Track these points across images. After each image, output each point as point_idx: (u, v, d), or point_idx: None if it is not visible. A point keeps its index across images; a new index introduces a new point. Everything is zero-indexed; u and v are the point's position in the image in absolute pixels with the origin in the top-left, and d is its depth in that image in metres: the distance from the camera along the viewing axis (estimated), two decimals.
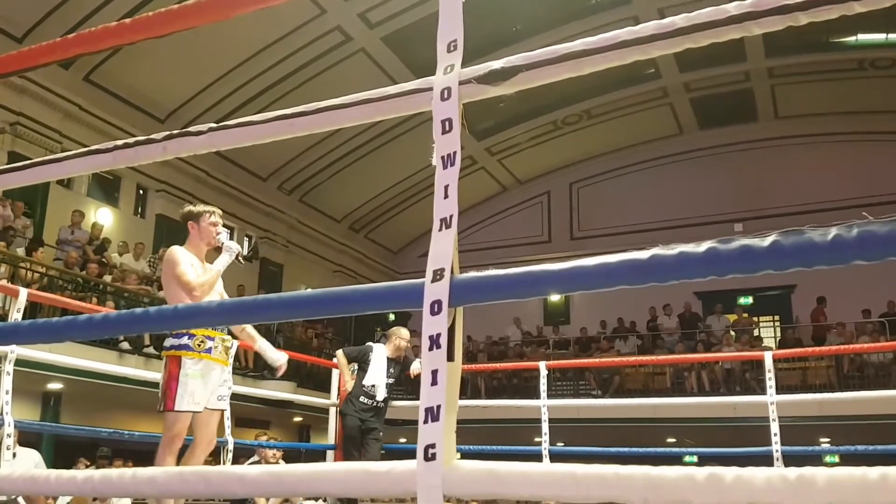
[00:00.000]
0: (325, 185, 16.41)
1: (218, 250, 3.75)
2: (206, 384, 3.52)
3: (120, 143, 1.74)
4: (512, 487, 1.17)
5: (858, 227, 1.02)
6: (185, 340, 3.46)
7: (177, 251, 3.62)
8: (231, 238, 3.83)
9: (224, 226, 3.80)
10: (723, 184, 16.72)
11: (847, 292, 13.49)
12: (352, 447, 5.89)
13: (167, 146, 1.66)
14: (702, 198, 16.73)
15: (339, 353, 6.26)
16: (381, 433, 6.02)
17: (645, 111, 16.49)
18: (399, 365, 6.12)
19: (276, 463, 6.97)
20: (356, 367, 6.08)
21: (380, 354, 6.05)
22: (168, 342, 3.51)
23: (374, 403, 5.94)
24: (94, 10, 10.69)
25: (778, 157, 16.52)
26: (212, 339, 3.53)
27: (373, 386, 5.94)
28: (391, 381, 6.02)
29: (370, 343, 6.35)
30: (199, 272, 3.60)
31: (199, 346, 3.47)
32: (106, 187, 13.03)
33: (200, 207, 3.80)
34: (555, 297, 17.94)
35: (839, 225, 1.04)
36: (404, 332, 6.11)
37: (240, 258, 3.77)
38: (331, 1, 12.11)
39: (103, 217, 12.51)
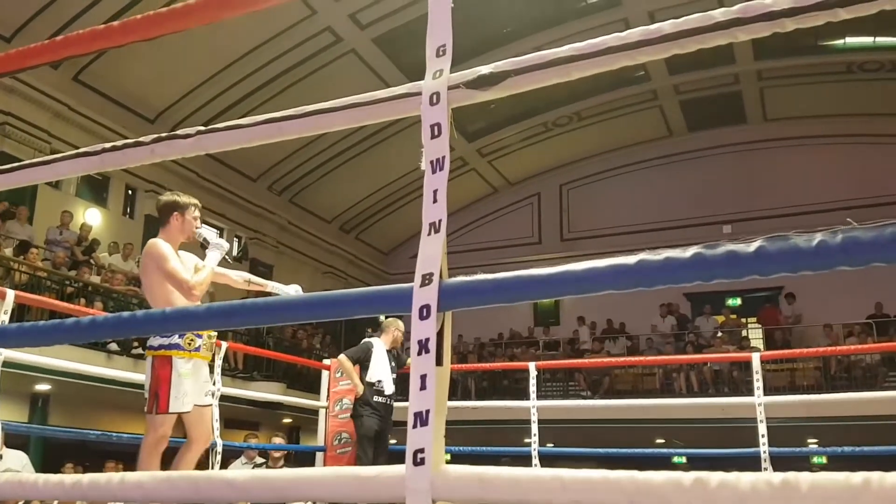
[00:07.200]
0: (316, 185, 16.38)
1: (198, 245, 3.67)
2: (196, 382, 3.48)
3: (108, 145, 1.73)
4: (500, 492, 1.18)
5: (843, 232, 1.03)
6: (175, 339, 3.38)
7: (163, 245, 3.47)
8: (220, 237, 3.77)
9: (212, 226, 3.76)
10: (712, 185, 16.80)
11: (834, 294, 13.57)
12: (367, 447, 5.75)
13: (155, 149, 1.66)
14: (691, 199, 16.79)
15: (343, 358, 5.96)
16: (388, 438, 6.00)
17: (635, 113, 16.54)
18: (396, 358, 6.07)
19: (280, 463, 6.95)
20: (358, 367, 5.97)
21: (380, 349, 5.95)
22: (156, 341, 3.40)
23: (387, 401, 5.85)
24: (83, 9, 10.64)
25: (767, 159, 16.60)
26: (200, 336, 3.47)
27: (379, 381, 5.83)
28: (395, 375, 5.96)
29: (368, 339, 6.15)
30: (188, 268, 3.53)
31: (189, 344, 3.42)
32: (95, 187, 12.96)
33: (185, 199, 3.65)
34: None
35: (824, 231, 1.05)
36: (402, 324, 5.95)
37: (227, 257, 3.69)
38: (321, 1, 12.10)
39: (92, 217, 12.44)
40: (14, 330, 1.76)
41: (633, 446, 6.84)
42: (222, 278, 3.77)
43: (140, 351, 10.28)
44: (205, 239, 3.65)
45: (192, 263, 3.64)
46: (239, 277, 3.86)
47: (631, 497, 1.07)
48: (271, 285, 3.90)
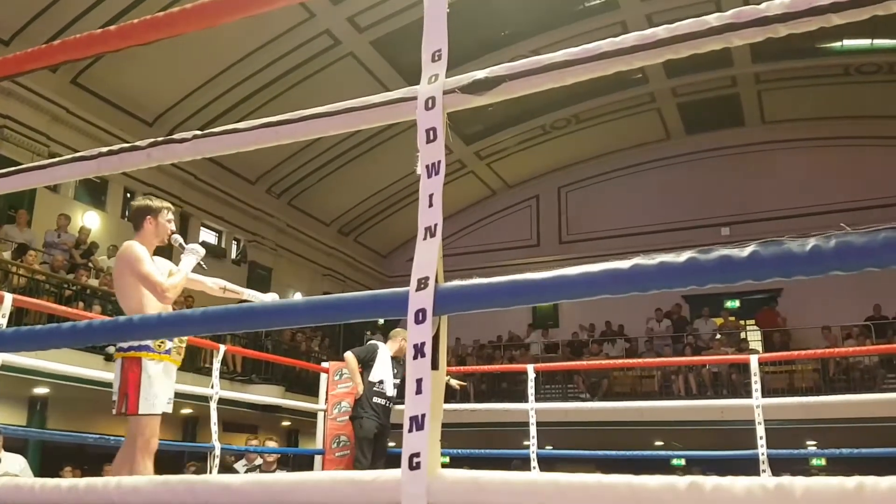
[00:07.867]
0: (315, 188, 16.38)
1: (169, 248, 3.64)
2: (166, 386, 3.43)
3: (105, 150, 1.74)
4: (496, 497, 1.18)
5: (836, 238, 1.04)
6: (145, 341, 3.32)
7: (137, 247, 3.43)
8: (219, 241, 3.74)
9: (211, 228, 3.72)
10: (710, 188, 16.81)
11: (832, 296, 13.58)
12: (366, 448, 5.77)
13: (151, 153, 1.66)
14: (689, 202, 16.81)
15: (350, 355, 5.98)
16: (387, 440, 6.03)
17: (633, 116, 16.56)
18: (401, 366, 6.10)
19: (274, 467, 6.98)
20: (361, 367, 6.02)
21: (385, 352, 6.02)
22: (126, 343, 3.34)
23: (387, 403, 5.88)
24: (81, 13, 10.66)
25: (764, 162, 16.62)
26: (170, 339, 3.43)
27: (381, 382, 5.87)
28: (397, 380, 6.00)
29: (374, 341, 6.27)
30: (162, 272, 3.49)
31: (158, 346, 3.37)
32: (93, 190, 12.95)
33: (158, 203, 3.65)
34: None
35: (817, 235, 1.06)
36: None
37: (202, 263, 3.63)
38: (319, 5, 12.10)
39: (90, 220, 12.44)
40: (11, 334, 1.76)
41: (632, 448, 6.84)
42: (198, 285, 3.76)
43: None
44: (180, 244, 3.63)
45: (167, 269, 3.60)
46: (214, 284, 3.84)
47: (626, 501, 1.07)
48: (247, 293, 3.89)
